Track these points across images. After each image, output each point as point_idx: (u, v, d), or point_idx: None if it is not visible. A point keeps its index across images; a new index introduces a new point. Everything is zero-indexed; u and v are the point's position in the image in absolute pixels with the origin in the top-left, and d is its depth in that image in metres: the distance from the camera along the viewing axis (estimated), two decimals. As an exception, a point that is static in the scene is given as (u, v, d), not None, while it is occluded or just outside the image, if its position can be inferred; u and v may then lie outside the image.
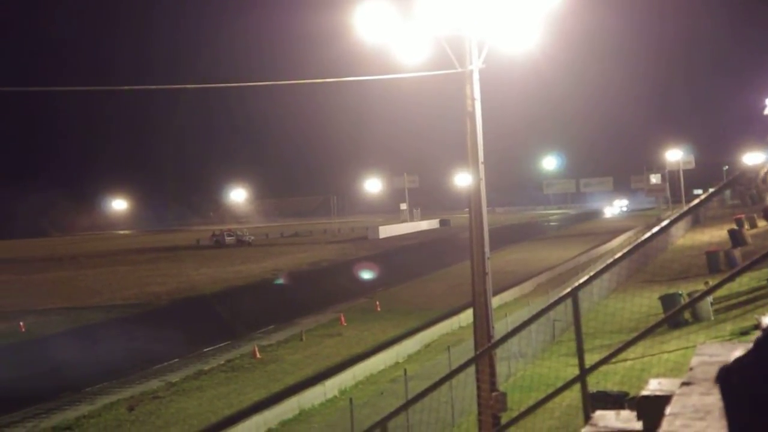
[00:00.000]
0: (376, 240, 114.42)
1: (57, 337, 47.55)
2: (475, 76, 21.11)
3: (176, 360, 39.36)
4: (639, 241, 8.42)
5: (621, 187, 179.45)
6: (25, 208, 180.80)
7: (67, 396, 33.31)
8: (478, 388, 20.33)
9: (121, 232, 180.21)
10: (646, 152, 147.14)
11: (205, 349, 41.66)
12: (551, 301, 9.50)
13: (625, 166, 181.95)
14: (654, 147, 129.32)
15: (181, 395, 33.04)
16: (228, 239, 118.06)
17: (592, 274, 9.04)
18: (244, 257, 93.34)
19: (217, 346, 42.52)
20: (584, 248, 77.70)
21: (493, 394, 19.89)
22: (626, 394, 19.80)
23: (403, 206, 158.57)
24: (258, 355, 39.17)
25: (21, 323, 50.50)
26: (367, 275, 63.66)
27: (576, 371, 8.26)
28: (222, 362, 38.64)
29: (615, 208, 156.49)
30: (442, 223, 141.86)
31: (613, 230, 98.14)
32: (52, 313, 56.39)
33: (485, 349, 18.26)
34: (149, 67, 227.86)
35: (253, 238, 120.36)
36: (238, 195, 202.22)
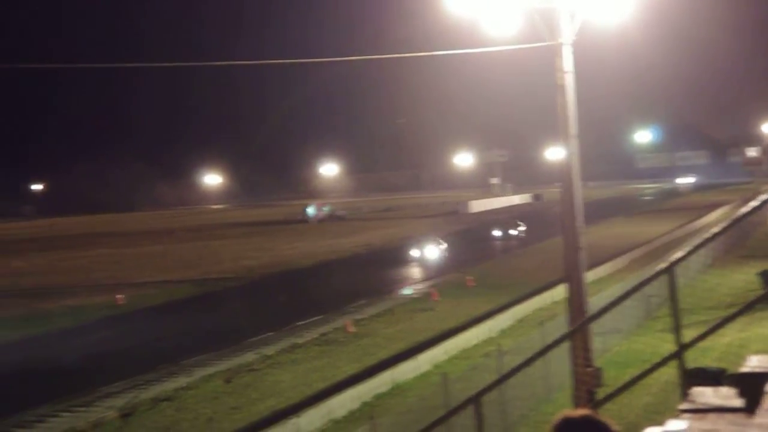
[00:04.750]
0: (467, 214, 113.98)
1: (153, 310, 48.54)
2: (567, 49, 20.91)
3: (271, 333, 39.81)
4: (737, 215, 8.30)
5: (717, 160, 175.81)
6: (118, 182, 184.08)
7: (165, 368, 33.95)
8: (573, 363, 20.26)
9: (215, 206, 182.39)
10: (745, 125, 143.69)
11: (298, 323, 42.05)
12: (647, 276, 9.40)
13: (722, 139, 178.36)
14: (754, 119, 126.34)
15: (276, 368, 33.43)
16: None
17: (688, 249, 8.93)
18: (335, 232, 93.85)
19: (311, 319, 42.88)
20: (680, 223, 76.50)
21: (588, 369, 19.82)
22: (724, 370, 19.52)
23: (494, 180, 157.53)
24: (351, 329, 39.42)
25: (118, 296, 51.57)
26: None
27: (673, 347, 8.18)
28: (316, 336, 38.96)
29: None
30: (535, 197, 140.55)
31: (709, 204, 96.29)
32: (148, 286, 57.52)
33: (579, 324, 18.18)
34: (236, 42, 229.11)
35: (345, 212, 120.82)
36: (329, 170, 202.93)
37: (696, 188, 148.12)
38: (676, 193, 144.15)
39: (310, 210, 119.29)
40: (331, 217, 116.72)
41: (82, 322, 45.39)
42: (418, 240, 68.39)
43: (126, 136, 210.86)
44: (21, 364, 35.75)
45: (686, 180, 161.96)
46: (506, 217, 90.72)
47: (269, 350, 36.38)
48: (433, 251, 64.37)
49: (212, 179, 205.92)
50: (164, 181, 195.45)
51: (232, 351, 36.51)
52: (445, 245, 66.35)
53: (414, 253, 64.46)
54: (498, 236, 78.68)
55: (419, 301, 46.60)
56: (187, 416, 28.11)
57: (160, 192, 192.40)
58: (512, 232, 79.25)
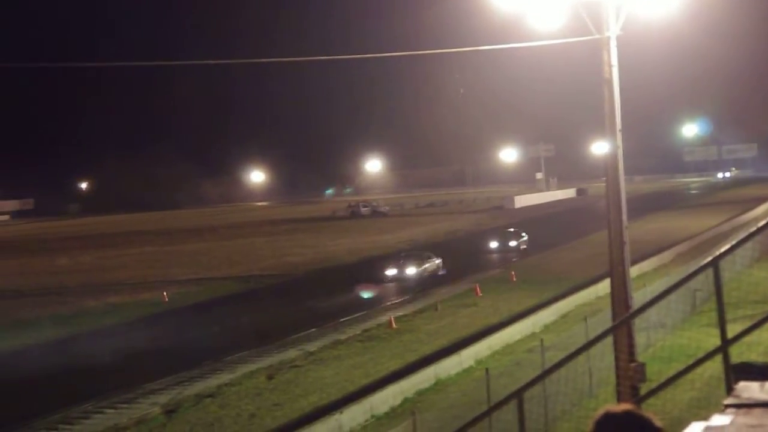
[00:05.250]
0: (512, 210, 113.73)
1: (198, 307, 48.79)
2: (613, 43, 20.72)
3: (313, 329, 39.88)
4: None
5: (767, 153, 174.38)
6: (163, 180, 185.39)
7: (209, 364, 34.10)
8: (617, 358, 20.08)
9: (259, 203, 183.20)
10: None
11: (341, 319, 42.12)
12: (691, 270, 9.28)
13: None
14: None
15: (319, 364, 33.46)
16: (363, 210, 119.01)
17: (734, 243, 8.81)
18: (379, 228, 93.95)
19: (354, 315, 42.95)
20: (726, 216, 75.78)
21: (632, 364, 19.61)
22: (772, 365, 19.22)
23: (539, 175, 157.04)
24: (394, 325, 39.38)
25: (164, 293, 51.90)
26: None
27: (718, 342, 8.05)
28: (358, 332, 38.96)
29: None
30: (579, 192, 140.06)
31: (757, 198, 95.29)
32: (192, 283, 57.84)
33: (623, 319, 18.00)
34: (276, 38, 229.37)
35: (388, 208, 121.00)
36: (373, 166, 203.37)
37: (742, 182, 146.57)
38: (722, 186, 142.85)
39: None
40: (374, 213, 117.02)
41: (126, 320, 45.65)
42: (398, 255, 59.24)
43: (170, 134, 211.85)
44: (66, 361, 35.99)
45: (726, 174, 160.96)
46: (506, 225, 79.68)
47: (312, 346, 36.42)
48: (411, 270, 54.43)
49: (256, 176, 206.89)
50: (208, 179, 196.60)
51: (275, 347, 36.61)
52: (438, 261, 57.00)
53: (390, 271, 54.48)
54: (494, 248, 66.70)
55: (462, 297, 46.48)
56: (230, 413, 28.19)
57: (204, 189, 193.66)
58: (512, 243, 66.90)
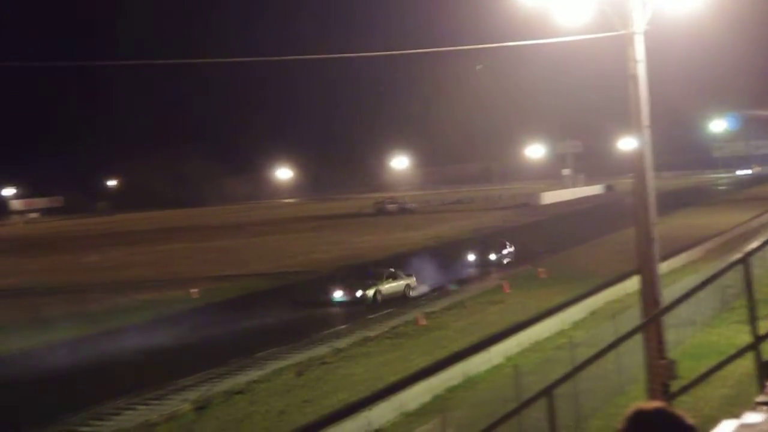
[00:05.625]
0: (539, 206, 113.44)
1: (227, 304, 48.96)
2: (638, 38, 20.68)
3: (343, 326, 39.99)
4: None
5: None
6: (190, 177, 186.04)
7: (238, 361, 34.24)
8: (647, 356, 20.06)
9: (286, 200, 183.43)
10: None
11: (370, 316, 42.21)
12: (721, 267, 9.25)
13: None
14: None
15: (348, 361, 33.53)
16: (390, 207, 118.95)
17: (765, 238, 8.78)
18: (406, 225, 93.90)
19: (382, 312, 43.02)
20: (756, 212, 75.21)
21: (662, 361, 19.59)
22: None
23: (566, 172, 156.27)
24: (422, 322, 39.41)
25: (193, 290, 52.09)
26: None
27: (749, 339, 8.03)
28: (387, 329, 39.01)
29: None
30: (607, 188, 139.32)
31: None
32: (221, 280, 58.09)
33: (652, 316, 17.98)
34: (301, 36, 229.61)
35: (415, 205, 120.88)
36: (399, 163, 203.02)
37: (766, 178, 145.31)
38: (751, 182, 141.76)
39: None
40: (401, 210, 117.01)
41: (156, 317, 45.84)
42: (353, 272, 52.80)
43: (197, 132, 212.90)
44: (95, 358, 36.25)
45: (747, 171, 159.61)
46: (489, 236, 71.24)
47: (341, 343, 36.52)
48: (360, 292, 46.74)
49: (283, 173, 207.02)
50: (235, 176, 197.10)
51: (304, 344, 36.73)
52: (409, 280, 49.00)
53: (336, 294, 47.26)
54: (472, 262, 58.27)
55: (490, 294, 46.41)
56: (259, 409, 28.30)
57: (231, 187, 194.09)
58: (492, 257, 58.54)
